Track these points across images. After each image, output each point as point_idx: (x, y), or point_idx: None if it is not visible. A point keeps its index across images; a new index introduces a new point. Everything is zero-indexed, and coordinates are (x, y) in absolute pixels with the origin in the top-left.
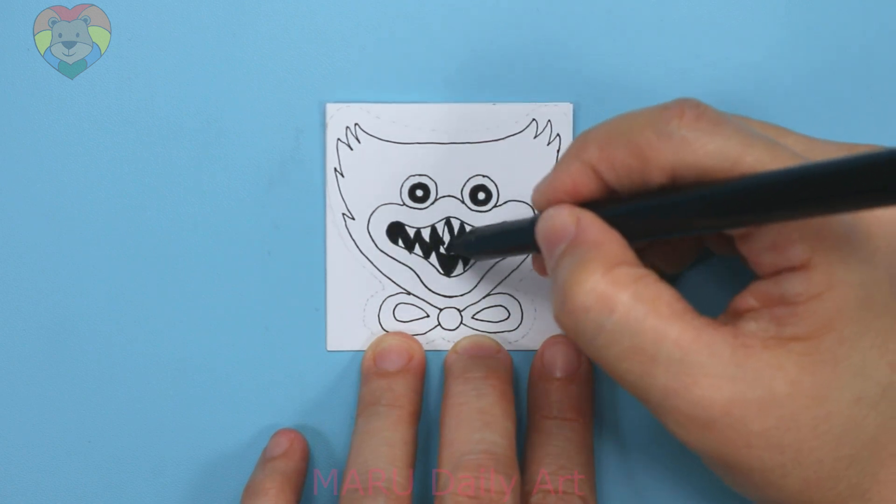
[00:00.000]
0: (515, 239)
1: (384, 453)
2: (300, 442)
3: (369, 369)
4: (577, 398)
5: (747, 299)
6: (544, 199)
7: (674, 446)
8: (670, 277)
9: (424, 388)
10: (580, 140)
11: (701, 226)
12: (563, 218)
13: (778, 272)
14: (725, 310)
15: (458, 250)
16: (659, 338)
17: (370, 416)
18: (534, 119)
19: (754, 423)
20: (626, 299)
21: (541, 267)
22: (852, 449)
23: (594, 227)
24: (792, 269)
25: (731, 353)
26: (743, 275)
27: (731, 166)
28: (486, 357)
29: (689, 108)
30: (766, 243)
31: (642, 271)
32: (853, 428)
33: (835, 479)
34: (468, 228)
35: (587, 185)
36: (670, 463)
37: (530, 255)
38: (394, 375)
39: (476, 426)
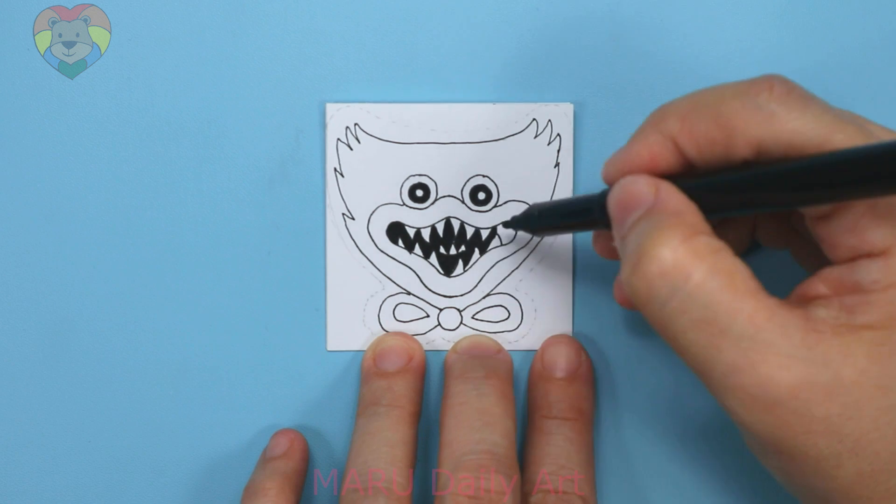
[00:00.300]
0: (581, 212)
1: (384, 453)
2: (300, 442)
3: (369, 369)
4: (578, 398)
5: (817, 286)
6: (618, 172)
7: (673, 446)
8: None
9: (425, 388)
10: (659, 112)
11: (788, 201)
12: (642, 185)
13: (854, 258)
14: (789, 295)
15: (520, 226)
16: (733, 312)
17: (370, 417)
18: (534, 119)
19: (818, 408)
20: (703, 269)
21: (603, 247)
22: None
23: (674, 196)
24: (870, 256)
25: (802, 335)
26: (791, 267)
27: (820, 143)
28: (486, 357)
29: (779, 83)
30: (846, 226)
31: (721, 244)
32: None
33: (888, 474)
34: (468, 229)
35: (665, 158)
36: (670, 463)
37: (531, 255)
38: (394, 375)
39: (476, 426)
